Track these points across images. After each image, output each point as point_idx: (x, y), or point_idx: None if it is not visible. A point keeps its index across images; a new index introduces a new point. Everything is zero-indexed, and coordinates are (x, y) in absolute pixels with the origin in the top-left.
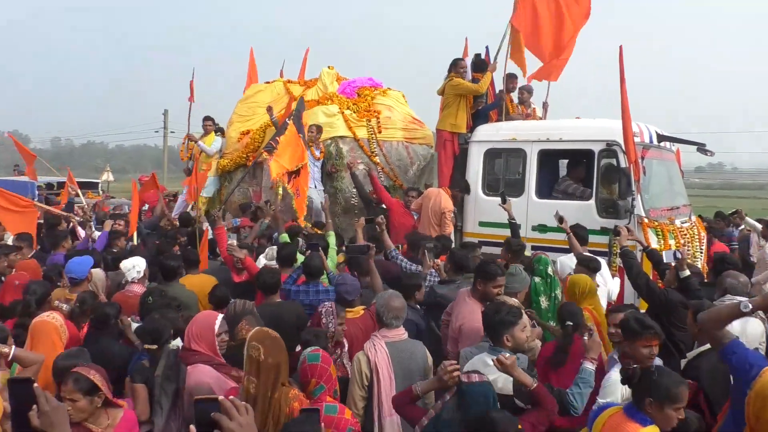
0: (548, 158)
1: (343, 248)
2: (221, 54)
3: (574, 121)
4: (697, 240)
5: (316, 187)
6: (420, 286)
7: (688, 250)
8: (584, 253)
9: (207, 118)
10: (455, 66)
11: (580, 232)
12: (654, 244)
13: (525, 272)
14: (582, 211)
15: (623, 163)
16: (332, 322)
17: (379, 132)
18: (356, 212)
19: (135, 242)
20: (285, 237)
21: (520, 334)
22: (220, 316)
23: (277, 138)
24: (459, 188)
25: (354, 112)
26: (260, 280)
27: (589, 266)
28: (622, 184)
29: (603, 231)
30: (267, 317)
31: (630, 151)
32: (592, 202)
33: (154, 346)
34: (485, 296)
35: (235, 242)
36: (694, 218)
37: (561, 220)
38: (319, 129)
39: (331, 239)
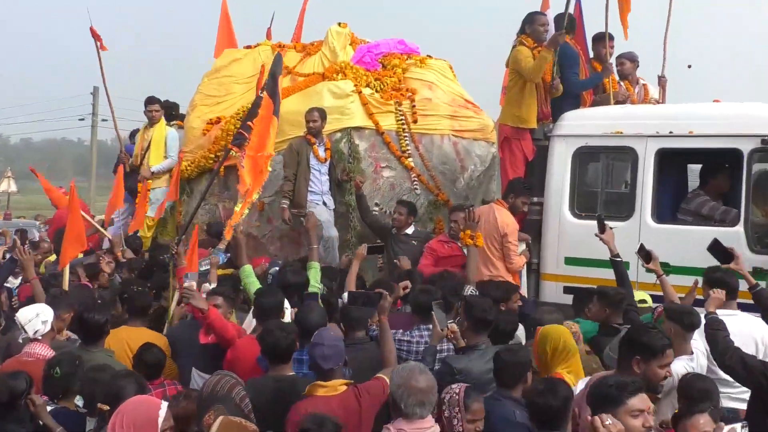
0: (672, 162)
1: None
2: (181, 6)
3: (711, 107)
4: None
5: (325, 204)
6: None
7: None
8: (679, 303)
9: (152, 101)
10: (530, 23)
11: (725, 279)
12: None
13: None
14: (725, 243)
15: None
16: None
17: (414, 121)
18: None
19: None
20: (249, 274)
21: None
22: (165, 405)
23: (250, 123)
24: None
25: (377, 90)
26: (267, 342)
27: (683, 321)
28: None
29: (759, 273)
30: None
31: None
32: (739, 228)
33: (106, 407)
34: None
35: (194, 284)
36: None
37: (648, 257)
38: (322, 115)
39: (313, 273)
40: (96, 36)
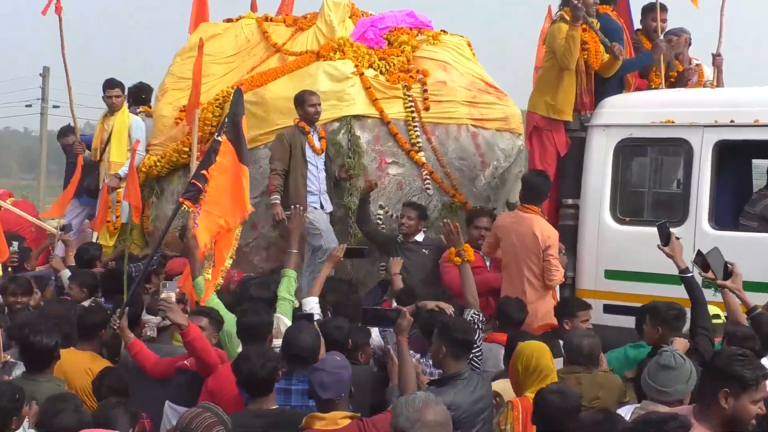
0: (733, 157)
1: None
2: None
3: None
4: None
5: (322, 207)
6: None
7: None
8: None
9: (111, 85)
10: None
11: None
12: None
13: (690, 363)
14: None
15: None
16: None
17: (426, 108)
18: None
19: None
20: (202, 290)
21: None
22: None
23: (204, 172)
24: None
25: (382, 72)
26: (241, 372)
27: (743, 347)
28: None
29: None
30: None
31: None
32: None
33: None
34: (733, 421)
35: (172, 295)
36: None
37: (707, 265)
38: (315, 101)
39: (285, 284)
40: None
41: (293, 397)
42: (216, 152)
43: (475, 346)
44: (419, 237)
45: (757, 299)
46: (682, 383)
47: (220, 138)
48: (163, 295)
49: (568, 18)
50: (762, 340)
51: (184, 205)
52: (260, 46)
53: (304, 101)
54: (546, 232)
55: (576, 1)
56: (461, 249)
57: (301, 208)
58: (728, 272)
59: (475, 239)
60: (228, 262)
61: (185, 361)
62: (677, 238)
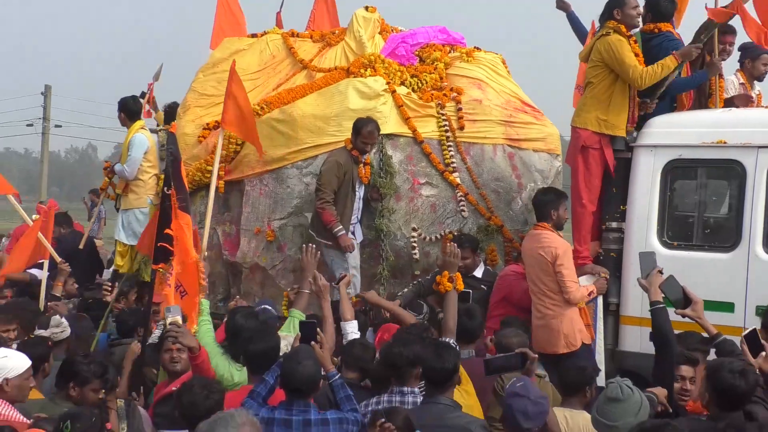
0: None
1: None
2: None
3: None
4: None
5: (353, 234)
6: None
7: None
8: None
9: (119, 103)
10: (620, 6)
11: None
12: None
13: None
14: None
15: None
16: None
17: (461, 128)
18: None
19: None
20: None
21: None
22: None
23: (169, 231)
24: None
25: (414, 90)
26: (181, 403)
27: None
28: None
29: None
30: None
31: None
32: None
33: None
34: None
35: (179, 319)
36: None
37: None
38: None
39: (287, 325)
40: None
41: (294, 427)
42: (170, 207)
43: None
44: (478, 272)
45: None
46: (630, 416)
47: (168, 191)
48: (169, 320)
49: (622, 32)
50: None
51: (160, 268)
52: (286, 62)
53: (364, 131)
54: (552, 243)
55: (694, 46)
56: (454, 276)
57: (314, 246)
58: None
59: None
60: (205, 303)
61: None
62: (660, 272)
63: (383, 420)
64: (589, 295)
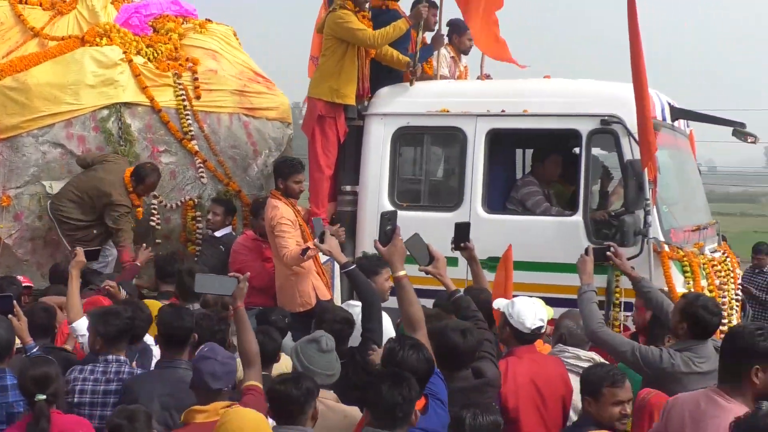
0: (504, 145)
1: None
2: None
3: (546, 84)
4: (732, 279)
5: None
6: None
7: (724, 296)
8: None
9: None
10: None
11: None
12: (680, 286)
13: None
14: (561, 235)
15: (629, 154)
16: None
17: (197, 97)
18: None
19: None
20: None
21: None
22: None
23: None
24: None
25: (150, 59)
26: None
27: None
28: (630, 190)
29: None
30: None
31: (646, 135)
32: (577, 218)
33: None
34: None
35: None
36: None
37: (458, 241)
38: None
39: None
40: None
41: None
42: None
43: None
44: (220, 233)
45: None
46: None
47: None
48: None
49: (349, 7)
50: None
51: None
52: (15, 29)
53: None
54: (270, 213)
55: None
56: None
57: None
58: (432, 257)
59: (255, 227)
60: None
61: None
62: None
63: None
64: (304, 253)
